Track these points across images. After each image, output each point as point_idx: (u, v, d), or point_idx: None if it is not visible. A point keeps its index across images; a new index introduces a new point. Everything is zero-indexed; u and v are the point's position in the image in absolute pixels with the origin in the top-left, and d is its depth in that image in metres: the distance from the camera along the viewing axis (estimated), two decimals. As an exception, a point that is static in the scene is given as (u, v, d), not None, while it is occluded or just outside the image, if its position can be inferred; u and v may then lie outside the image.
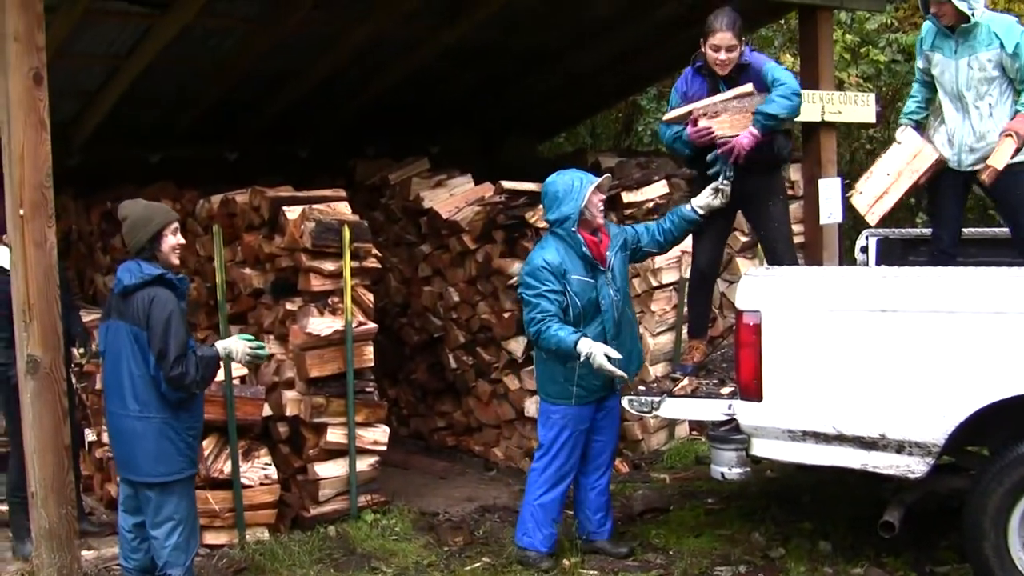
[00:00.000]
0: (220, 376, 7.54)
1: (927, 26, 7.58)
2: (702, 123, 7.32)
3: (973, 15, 7.19)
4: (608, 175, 7.41)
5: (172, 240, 6.23)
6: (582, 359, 6.68)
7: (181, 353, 5.93)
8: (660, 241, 7.54)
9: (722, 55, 7.26)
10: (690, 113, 7.38)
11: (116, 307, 6.15)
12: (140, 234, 6.13)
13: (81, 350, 8.00)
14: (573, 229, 6.98)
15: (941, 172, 7.53)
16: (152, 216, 6.18)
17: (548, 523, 7.18)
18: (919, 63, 7.71)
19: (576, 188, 7.00)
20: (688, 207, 7.38)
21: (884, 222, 7.93)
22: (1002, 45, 7.22)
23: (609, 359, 6.65)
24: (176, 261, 6.29)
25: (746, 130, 7.16)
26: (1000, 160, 7.06)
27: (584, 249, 6.98)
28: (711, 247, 7.72)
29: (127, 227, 6.20)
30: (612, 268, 7.12)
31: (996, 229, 8.42)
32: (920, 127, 7.76)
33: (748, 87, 7.31)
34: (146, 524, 6.23)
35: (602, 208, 7.18)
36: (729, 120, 7.29)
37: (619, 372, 6.75)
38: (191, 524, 6.29)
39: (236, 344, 6.35)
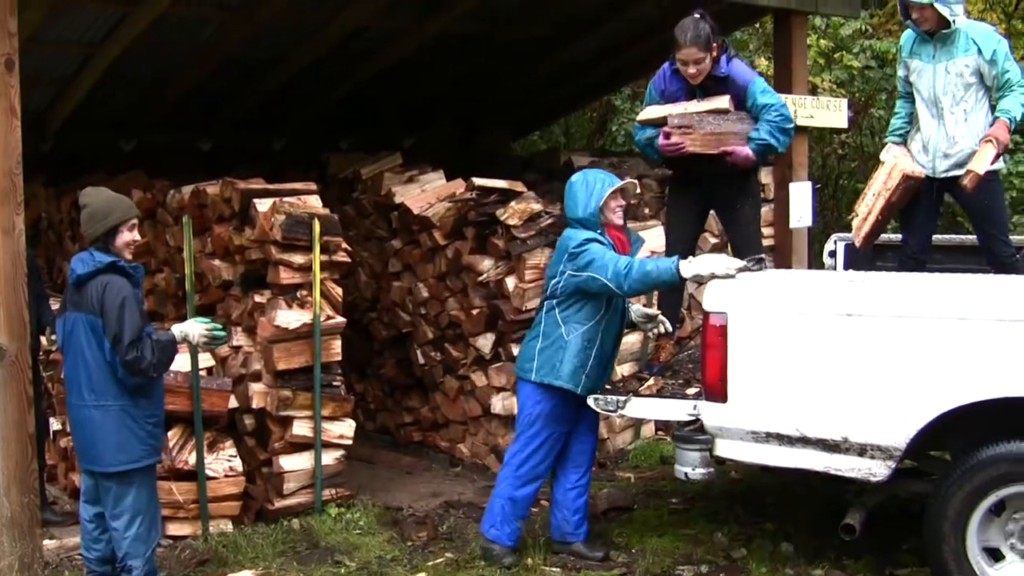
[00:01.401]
0: (187, 367, 7.55)
1: (907, 34, 7.65)
2: (674, 138, 7.37)
3: (954, 21, 7.26)
4: (634, 180, 7.39)
5: (128, 236, 6.21)
6: (691, 277, 6.64)
7: (136, 337, 5.92)
8: None
9: (691, 68, 7.35)
10: (665, 118, 7.41)
11: (71, 299, 6.15)
12: (97, 226, 6.13)
13: (53, 337, 7.99)
14: (599, 229, 6.99)
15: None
16: (111, 210, 6.16)
17: (516, 519, 7.20)
18: (900, 72, 7.78)
19: (596, 190, 6.99)
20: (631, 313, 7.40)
21: (847, 227, 7.97)
22: (980, 51, 7.30)
23: None
24: (129, 256, 6.25)
25: (743, 148, 7.32)
26: (981, 165, 7.14)
27: (612, 248, 6.98)
28: (683, 246, 7.75)
29: (85, 216, 6.19)
30: None
31: (964, 236, 8.49)
32: (904, 142, 7.81)
33: (724, 101, 7.35)
34: (106, 515, 6.23)
35: (620, 212, 7.15)
36: (701, 139, 7.34)
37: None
38: (151, 515, 6.28)
39: (192, 327, 6.36)
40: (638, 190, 7.87)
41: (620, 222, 7.17)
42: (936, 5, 7.23)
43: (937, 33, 7.36)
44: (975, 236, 7.86)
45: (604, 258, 6.78)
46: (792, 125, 7.45)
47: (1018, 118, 7.33)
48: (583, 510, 7.36)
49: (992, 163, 7.26)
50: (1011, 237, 7.76)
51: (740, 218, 7.77)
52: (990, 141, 7.23)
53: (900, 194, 7.55)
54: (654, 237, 9.69)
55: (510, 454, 7.25)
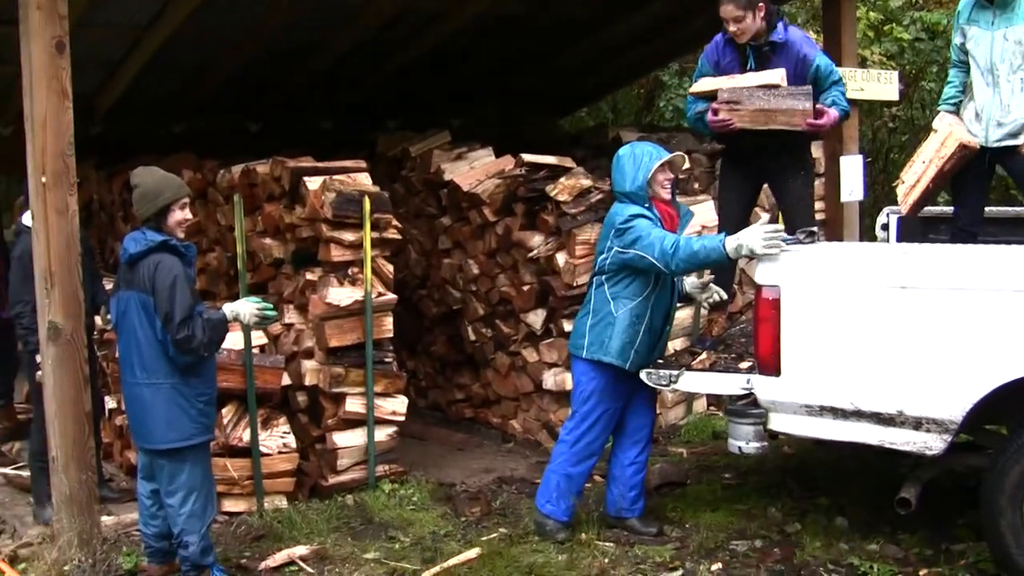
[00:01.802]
0: (240, 345, 7.59)
1: (965, 0, 7.52)
2: (722, 114, 7.33)
3: None
4: (682, 154, 7.33)
5: (180, 215, 6.25)
6: (736, 253, 6.60)
7: (187, 316, 5.97)
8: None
9: (731, 27, 7.29)
10: (716, 91, 7.37)
11: (124, 277, 6.21)
12: (149, 205, 6.18)
13: (108, 316, 8.05)
14: (646, 203, 6.95)
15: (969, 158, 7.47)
16: (163, 189, 6.21)
17: (571, 495, 7.20)
18: (955, 39, 7.64)
19: (644, 163, 6.95)
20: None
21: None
22: None
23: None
24: (181, 235, 6.30)
25: (831, 115, 7.34)
26: None
27: (660, 223, 6.94)
28: (736, 217, 7.72)
29: (137, 195, 6.24)
30: None
31: (1018, 208, 8.39)
32: (958, 112, 7.71)
33: (776, 75, 7.28)
34: (160, 492, 6.28)
35: (668, 186, 7.11)
36: (750, 115, 7.28)
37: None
38: (206, 491, 6.33)
39: (243, 306, 6.39)
40: (687, 164, 7.81)
41: (668, 196, 7.13)
42: None
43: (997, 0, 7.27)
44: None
45: (651, 236, 6.75)
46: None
47: None
48: (640, 487, 7.35)
49: None
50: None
51: (792, 192, 7.73)
52: None
53: (954, 163, 7.46)
54: (704, 212, 9.67)
55: (566, 431, 7.25)
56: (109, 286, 8.40)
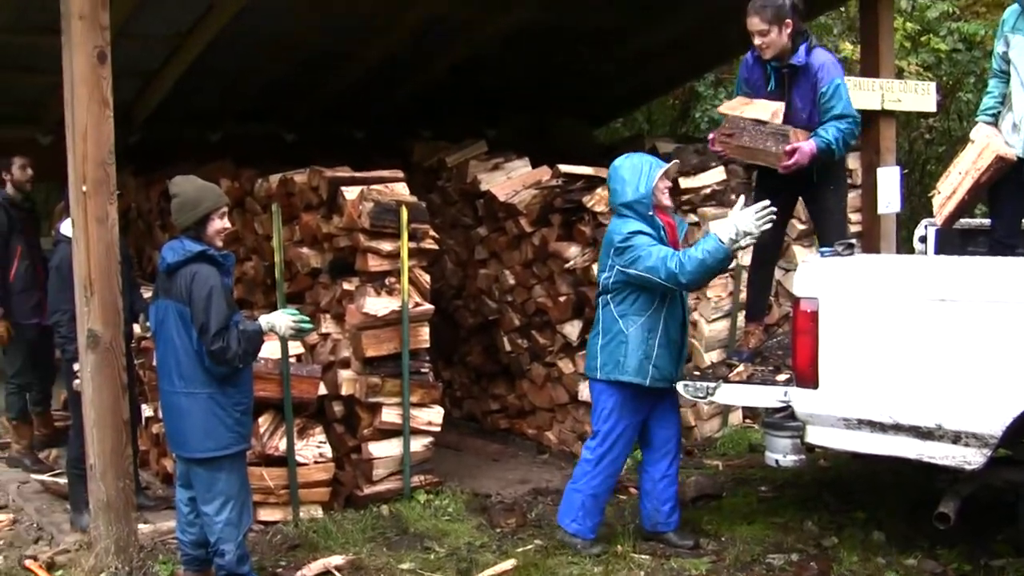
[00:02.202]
0: (276, 354, 7.61)
1: (1011, 8, 7.44)
2: (717, 146, 7.36)
3: None
4: (677, 161, 7.35)
5: (219, 224, 6.28)
6: (731, 242, 6.60)
7: (222, 327, 5.98)
8: None
9: (757, 40, 7.26)
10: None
11: (162, 286, 6.23)
12: (188, 214, 6.20)
13: (147, 324, 8.10)
14: (650, 212, 6.93)
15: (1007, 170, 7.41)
16: (203, 199, 6.23)
17: (597, 513, 7.18)
18: (998, 48, 7.54)
19: (645, 172, 6.94)
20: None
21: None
22: None
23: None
24: (220, 244, 6.32)
25: (807, 148, 7.20)
26: None
27: (663, 233, 6.96)
28: (771, 234, 7.71)
29: (176, 204, 6.26)
30: None
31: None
32: (996, 123, 7.64)
33: (768, 111, 7.24)
34: (197, 500, 6.30)
35: (668, 194, 7.13)
36: (738, 150, 7.33)
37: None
38: (242, 500, 6.34)
39: (279, 319, 6.40)
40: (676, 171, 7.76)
41: (669, 203, 7.16)
42: None
43: None
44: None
45: (652, 256, 6.72)
46: (854, 141, 7.39)
47: None
48: (674, 499, 7.30)
49: None
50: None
51: (823, 205, 7.70)
52: None
53: (990, 175, 7.40)
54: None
55: (588, 450, 7.20)
56: (147, 294, 8.45)
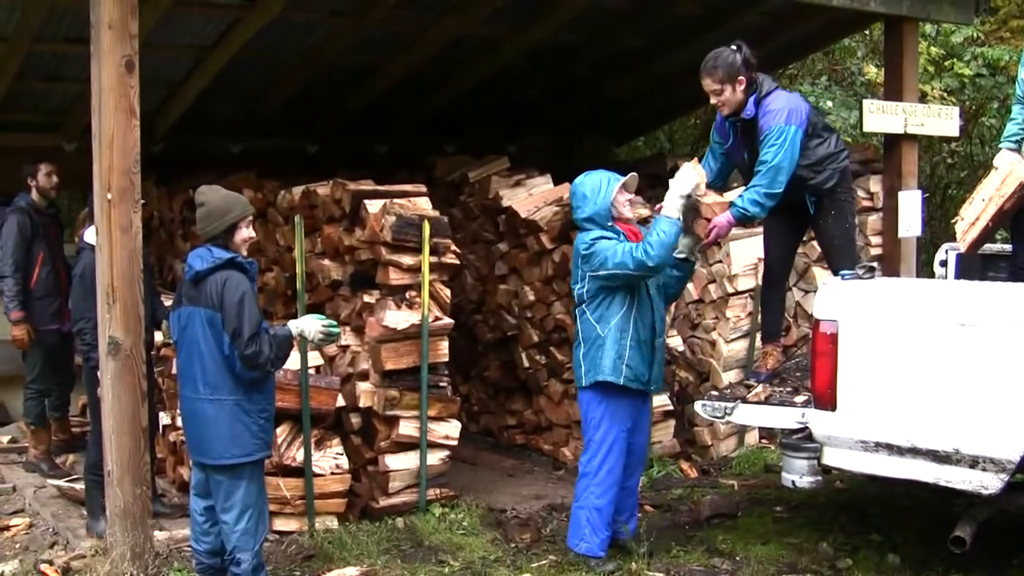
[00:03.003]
0: (296, 365, 7.63)
1: None
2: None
3: None
4: (634, 174, 7.34)
5: (246, 233, 6.31)
6: (678, 212, 6.87)
7: (255, 332, 6.00)
8: (668, 294, 7.52)
9: (712, 99, 7.35)
10: None
11: (187, 294, 6.23)
12: (216, 223, 6.22)
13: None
14: (609, 223, 7.05)
15: None
16: (230, 207, 6.26)
17: (604, 527, 7.17)
18: (1021, 74, 7.56)
19: (604, 186, 7.06)
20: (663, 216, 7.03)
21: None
22: None
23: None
24: (245, 253, 6.36)
25: (722, 221, 7.33)
26: None
27: (623, 237, 7.04)
28: (779, 247, 7.74)
29: (203, 213, 6.27)
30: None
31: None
32: (1020, 150, 7.64)
33: (698, 203, 7.33)
34: (216, 508, 6.32)
35: (628, 207, 7.21)
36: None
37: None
38: (260, 509, 6.35)
39: (309, 323, 6.41)
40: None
41: (630, 215, 7.24)
42: None
43: None
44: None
45: (618, 253, 6.86)
46: (780, 190, 7.18)
47: None
48: (631, 510, 7.47)
49: None
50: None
51: (824, 232, 7.72)
52: None
53: (1014, 202, 7.39)
54: (762, 244, 9.65)
55: (584, 464, 7.22)
56: (168, 303, 8.49)
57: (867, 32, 15.46)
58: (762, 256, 9.10)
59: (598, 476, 7.11)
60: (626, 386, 7.01)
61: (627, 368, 6.99)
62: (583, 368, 7.12)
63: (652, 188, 10.92)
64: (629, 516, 7.42)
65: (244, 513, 6.23)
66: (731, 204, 7.30)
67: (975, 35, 15.83)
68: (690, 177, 6.91)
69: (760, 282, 9.24)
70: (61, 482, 8.99)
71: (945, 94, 14.88)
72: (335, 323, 6.51)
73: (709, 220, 7.52)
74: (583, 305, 7.11)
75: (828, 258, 7.77)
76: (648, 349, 7.10)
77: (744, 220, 7.35)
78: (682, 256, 7.29)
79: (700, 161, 7.57)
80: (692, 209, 7.18)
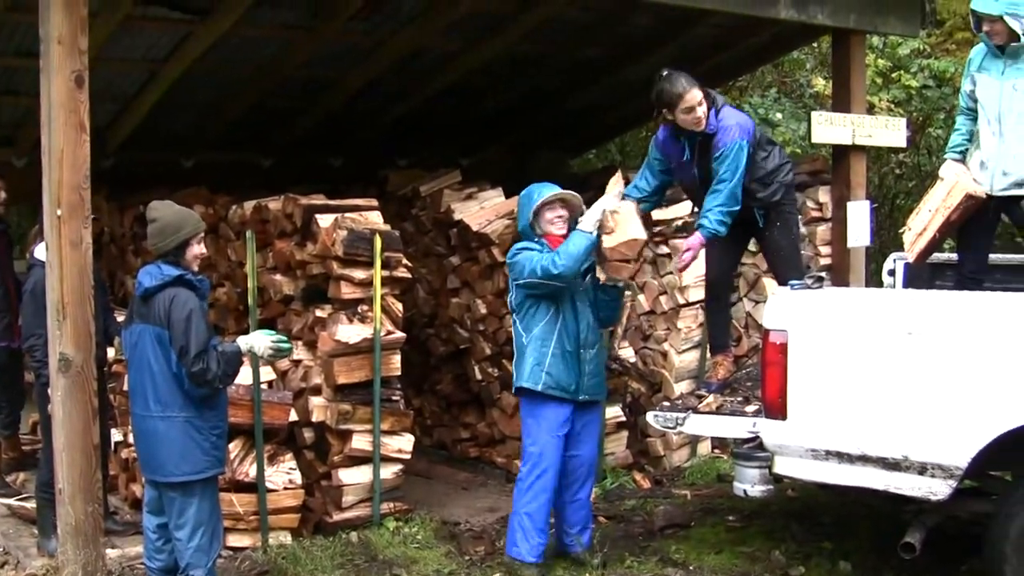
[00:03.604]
0: (249, 380, 7.61)
1: (978, 48, 7.55)
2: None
3: (1022, 35, 7.19)
4: (571, 193, 7.35)
5: (197, 249, 6.30)
6: (593, 227, 6.95)
7: (202, 349, 5.97)
8: (601, 317, 7.55)
9: (697, 112, 7.24)
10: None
11: (138, 311, 6.20)
12: (169, 239, 6.19)
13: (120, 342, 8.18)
14: (537, 236, 7.18)
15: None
16: (183, 224, 6.24)
17: (536, 533, 7.18)
18: (965, 86, 7.64)
19: (529, 201, 7.22)
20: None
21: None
22: None
23: None
24: (196, 269, 6.34)
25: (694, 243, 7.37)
26: None
27: (547, 250, 7.10)
28: (722, 263, 7.78)
29: (155, 229, 6.24)
30: (586, 285, 7.25)
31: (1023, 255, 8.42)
32: (964, 160, 7.72)
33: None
34: (169, 525, 6.29)
35: (559, 223, 7.21)
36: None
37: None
38: (213, 526, 6.32)
39: (258, 339, 6.39)
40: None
41: (560, 232, 7.21)
42: (1006, 18, 7.16)
43: (1009, 48, 7.31)
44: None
45: (533, 260, 6.99)
46: (738, 207, 7.27)
47: None
48: (583, 523, 7.52)
49: None
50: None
51: (771, 244, 7.77)
52: None
53: (960, 213, 7.48)
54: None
55: (520, 472, 7.33)
56: (120, 318, 8.45)
57: (815, 45, 15.57)
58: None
59: (528, 482, 7.19)
60: (549, 394, 7.09)
61: (547, 376, 7.08)
62: (515, 375, 7.28)
63: (604, 200, 10.97)
64: (582, 528, 7.46)
65: (197, 530, 6.19)
66: (699, 226, 7.30)
67: (921, 47, 15.98)
68: (615, 193, 7.00)
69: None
70: (11, 501, 8.93)
71: (892, 105, 15.00)
72: (285, 338, 6.50)
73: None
74: (514, 316, 7.27)
75: (775, 269, 7.82)
76: (574, 359, 7.15)
77: (712, 238, 7.34)
78: (610, 283, 7.35)
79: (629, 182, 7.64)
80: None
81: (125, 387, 8.25)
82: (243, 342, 6.35)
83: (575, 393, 7.15)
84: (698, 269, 9.38)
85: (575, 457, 7.32)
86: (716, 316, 8.09)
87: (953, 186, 7.47)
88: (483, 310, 9.85)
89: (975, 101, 7.54)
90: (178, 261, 6.20)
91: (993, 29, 7.27)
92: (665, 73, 7.34)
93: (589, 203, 7.27)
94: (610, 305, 7.51)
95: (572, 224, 7.17)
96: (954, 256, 8.25)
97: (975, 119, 7.59)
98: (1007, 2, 7.13)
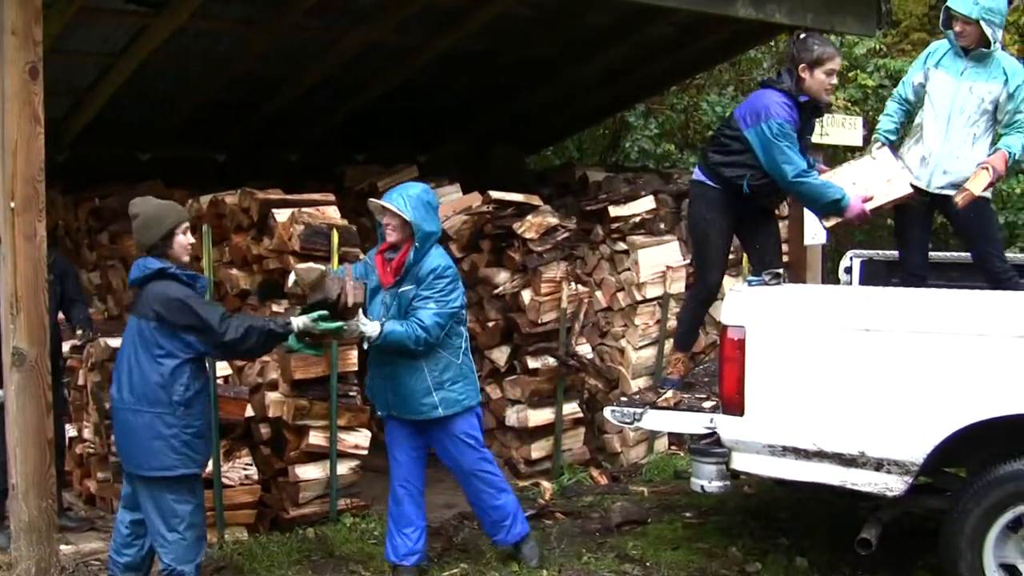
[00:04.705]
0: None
1: (940, 43, 7.59)
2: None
3: (994, 44, 7.24)
4: (376, 202, 7.16)
5: (183, 239, 6.27)
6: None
7: (221, 317, 6.03)
8: None
9: (834, 79, 7.31)
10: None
11: (132, 301, 6.26)
12: (152, 232, 6.17)
13: (79, 332, 8.14)
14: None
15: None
16: (165, 215, 6.22)
17: (396, 534, 7.16)
18: (915, 77, 7.66)
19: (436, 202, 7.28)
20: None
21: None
22: (1007, 81, 7.30)
23: None
24: (186, 259, 6.33)
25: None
26: (976, 186, 7.14)
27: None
28: (722, 263, 7.71)
29: (138, 224, 6.22)
30: (397, 297, 6.95)
31: (959, 253, 8.48)
32: (895, 147, 7.75)
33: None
34: (146, 520, 6.23)
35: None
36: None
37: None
38: (198, 524, 6.27)
39: (301, 320, 6.46)
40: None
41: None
42: (982, 23, 7.20)
43: (974, 51, 7.35)
44: (968, 254, 7.83)
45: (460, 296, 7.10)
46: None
47: (1017, 155, 7.33)
48: (502, 519, 7.40)
49: (984, 190, 7.26)
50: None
51: (769, 230, 7.76)
52: (986, 168, 7.23)
53: (894, 203, 7.53)
54: (669, 252, 9.74)
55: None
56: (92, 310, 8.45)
57: (772, 43, 15.64)
58: (671, 264, 9.20)
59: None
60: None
61: (369, 391, 7.25)
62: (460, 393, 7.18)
63: (561, 197, 10.98)
64: (496, 530, 7.38)
65: (176, 527, 6.12)
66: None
67: (877, 47, 16.09)
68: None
69: (668, 289, 9.33)
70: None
71: (849, 104, 15.09)
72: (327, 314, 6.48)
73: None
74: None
75: (769, 256, 7.65)
76: (387, 378, 7.03)
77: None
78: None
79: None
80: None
81: (79, 382, 8.26)
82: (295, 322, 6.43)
83: (387, 408, 7.18)
84: (656, 265, 9.46)
85: (448, 461, 7.36)
86: (697, 318, 8.09)
87: (895, 177, 7.47)
88: (440, 306, 9.80)
89: (917, 95, 7.60)
90: (165, 253, 6.18)
91: (964, 31, 7.30)
92: (804, 35, 7.36)
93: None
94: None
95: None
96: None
97: (908, 110, 7.66)
98: (984, 7, 7.17)
